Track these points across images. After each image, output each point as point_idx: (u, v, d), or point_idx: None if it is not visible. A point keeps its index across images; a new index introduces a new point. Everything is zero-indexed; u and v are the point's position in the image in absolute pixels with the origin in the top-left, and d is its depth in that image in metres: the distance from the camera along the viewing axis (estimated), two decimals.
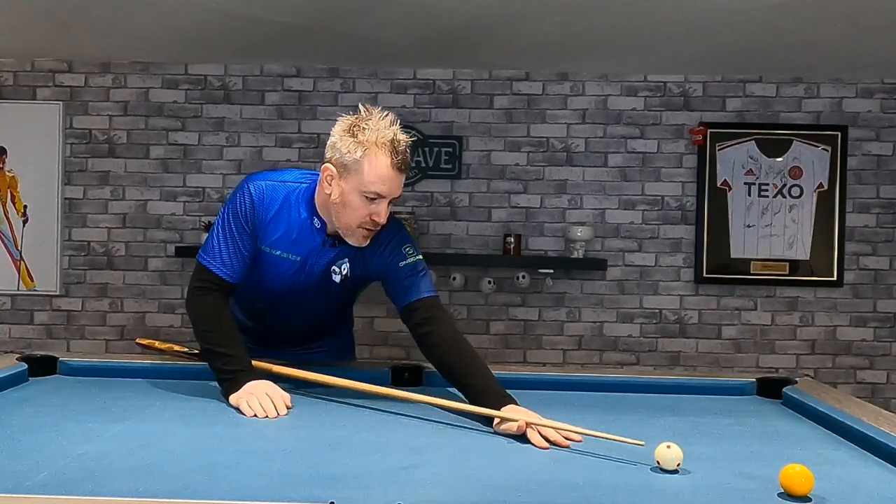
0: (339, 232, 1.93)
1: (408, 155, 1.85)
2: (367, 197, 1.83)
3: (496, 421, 1.64)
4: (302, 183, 1.97)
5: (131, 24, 3.69)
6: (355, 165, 1.82)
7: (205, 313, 1.94)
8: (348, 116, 1.90)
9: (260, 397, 1.75)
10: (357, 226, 1.88)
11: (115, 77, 4.39)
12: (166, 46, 4.09)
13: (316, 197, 1.94)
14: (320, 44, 3.92)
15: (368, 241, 1.93)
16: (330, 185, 1.88)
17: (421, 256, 2.02)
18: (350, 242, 1.93)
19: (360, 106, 1.90)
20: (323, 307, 2.16)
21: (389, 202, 1.87)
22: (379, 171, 1.81)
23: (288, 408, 1.76)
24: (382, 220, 1.86)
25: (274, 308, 2.13)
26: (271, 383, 1.81)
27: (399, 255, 1.97)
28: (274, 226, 1.95)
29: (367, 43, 3.89)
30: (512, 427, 1.60)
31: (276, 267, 2.00)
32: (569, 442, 1.56)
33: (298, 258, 1.98)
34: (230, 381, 1.83)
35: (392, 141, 1.82)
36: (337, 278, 2.03)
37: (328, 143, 1.90)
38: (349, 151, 1.83)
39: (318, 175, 1.94)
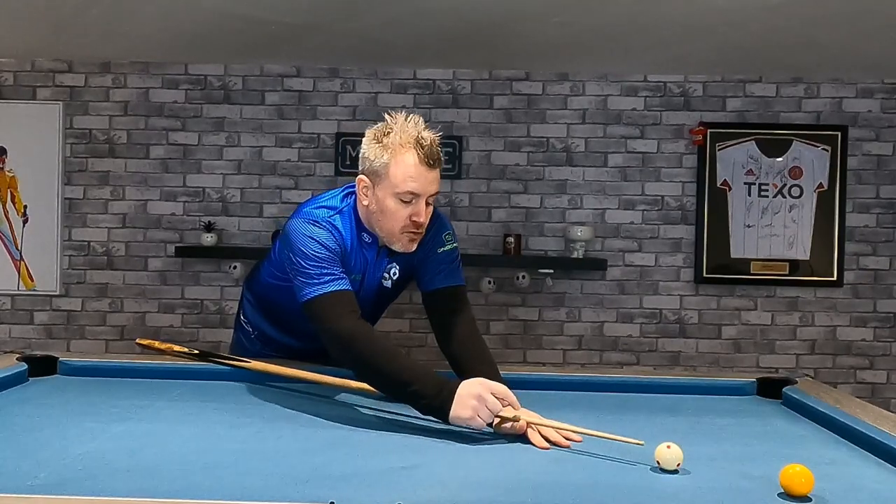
0: (385, 240, 1.93)
1: (436, 150, 1.83)
2: (402, 200, 1.82)
3: (496, 421, 1.64)
4: (344, 205, 1.96)
5: (131, 24, 3.68)
6: (384, 170, 1.82)
7: (367, 348, 1.71)
8: (376, 126, 1.88)
9: (480, 410, 1.57)
10: (400, 230, 1.86)
11: (115, 77, 4.39)
12: (166, 46, 4.09)
13: (359, 212, 1.94)
14: (320, 44, 3.92)
15: (416, 245, 1.91)
16: (366, 196, 1.89)
17: (457, 244, 2.05)
18: (397, 249, 1.92)
19: (386, 114, 1.88)
20: (373, 312, 2.17)
21: (428, 201, 1.85)
22: (407, 169, 1.80)
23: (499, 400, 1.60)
24: (423, 219, 1.84)
25: None
26: (471, 384, 1.62)
27: (438, 241, 2.00)
28: (347, 254, 1.94)
29: (367, 43, 3.89)
30: (512, 426, 1.60)
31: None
32: (569, 442, 1.56)
33: (359, 276, 1.98)
34: (444, 403, 1.60)
35: (417, 138, 1.80)
36: (388, 283, 2.05)
37: (360, 155, 1.89)
38: (377, 157, 1.83)
39: (354, 189, 1.94)
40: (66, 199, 4.39)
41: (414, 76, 4.40)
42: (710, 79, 4.39)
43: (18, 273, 4.37)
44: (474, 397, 1.58)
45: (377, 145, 1.84)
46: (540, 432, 1.57)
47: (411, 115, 1.86)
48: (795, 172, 4.35)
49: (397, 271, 2.04)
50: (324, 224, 1.89)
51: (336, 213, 1.94)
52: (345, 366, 1.80)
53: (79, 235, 4.40)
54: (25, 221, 4.37)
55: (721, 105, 4.39)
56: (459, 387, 1.61)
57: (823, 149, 4.35)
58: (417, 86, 4.40)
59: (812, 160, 4.35)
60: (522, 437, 1.58)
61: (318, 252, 1.83)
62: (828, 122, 4.37)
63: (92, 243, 4.41)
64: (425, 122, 1.88)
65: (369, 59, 4.24)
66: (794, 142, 4.35)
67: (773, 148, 4.35)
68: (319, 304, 1.78)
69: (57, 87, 4.39)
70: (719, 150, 4.35)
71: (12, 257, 4.37)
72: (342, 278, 1.82)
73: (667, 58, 4.06)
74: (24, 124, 4.36)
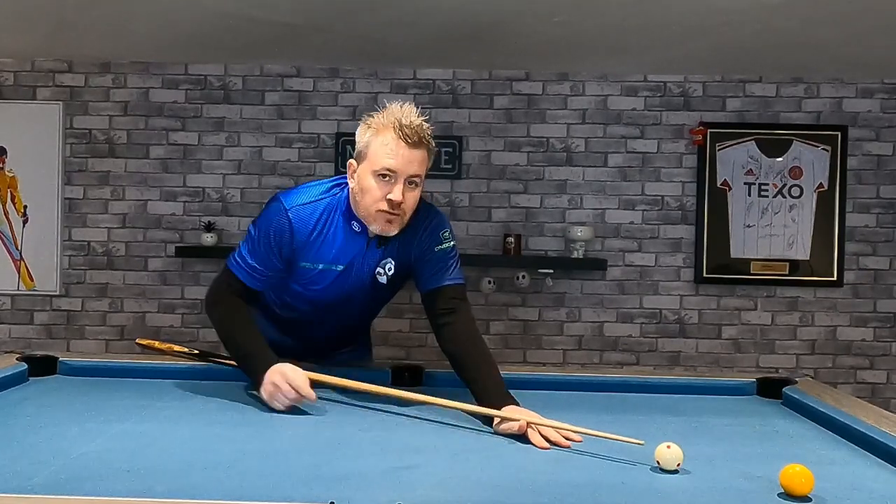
0: (365, 221, 1.91)
1: (417, 130, 1.83)
2: (380, 176, 1.82)
3: (497, 421, 1.64)
4: (335, 194, 1.96)
5: (131, 24, 3.68)
6: (366, 149, 1.85)
7: (224, 311, 1.96)
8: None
9: (275, 395, 1.77)
10: (376, 209, 1.85)
11: (115, 77, 4.39)
12: (166, 46, 4.09)
13: (350, 200, 1.93)
14: (320, 44, 3.92)
15: (395, 228, 1.89)
16: (353, 178, 1.90)
17: (455, 242, 2.04)
18: (374, 230, 1.90)
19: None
20: (367, 309, 2.17)
21: (409, 183, 1.84)
22: (385, 145, 1.82)
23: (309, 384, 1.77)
24: (398, 198, 1.82)
25: (315, 318, 2.12)
26: (284, 368, 1.78)
27: (436, 239, 1.98)
28: (314, 243, 1.93)
29: (367, 43, 3.89)
30: (512, 427, 1.60)
31: (320, 280, 1.99)
32: (569, 442, 1.56)
33: (342, 266, 1.97)
34: (254, 377, 1.83)
35: (399, 118, 1.83)
36: (383, 279, 2.02)
37: None
38: (361, 139, 1.88)
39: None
40: (66, 199, 4.39)
41: (414, 76, 4.40)
42: (710, 79, 4.39)
43: (18, 273, 4.37)
44: (271, 383, 1.76)
45: (364, 128, 1.88)
46: (540, 432, 1.57)
47: (406, 102, 1.89)
48: (795, 172, 4.35)
49: (393, 267, 2.00)
50: (293, 213, 1.91)
51: (321, 201, 1.94)
52: (211, 315, 1.99)
53: (79, 235, 4.40)
54: (25, 221, 4.37)
55: (721, 105, 4.39)
56: (268, 370, 1.77)
57: (823, 149, 4.35)
58: (417, 86, 4.40)
59: (812, 160, 4.35)
60: (522, 437, 1.58)
61: (262, 241, 1.92)
62: (828, 122, 4.37)
63: (92, 243, 4.41)
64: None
65: (369, 59, 4.24)
66: (794, 142, 4.35)
67: (773, 148, 4.35)
68: (226, 275, 1.97)
69: (57, 87, 4.39)
70: (719, 150, 4.35)
71: (12, 257, 4.37)
72: (259, 278, 1.95)
73: (667, 58, 4.06)
74: (24, 124, 4.36)
